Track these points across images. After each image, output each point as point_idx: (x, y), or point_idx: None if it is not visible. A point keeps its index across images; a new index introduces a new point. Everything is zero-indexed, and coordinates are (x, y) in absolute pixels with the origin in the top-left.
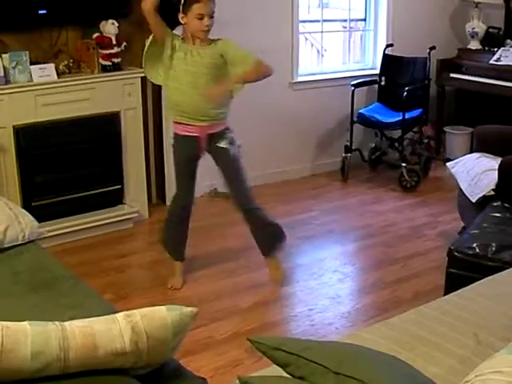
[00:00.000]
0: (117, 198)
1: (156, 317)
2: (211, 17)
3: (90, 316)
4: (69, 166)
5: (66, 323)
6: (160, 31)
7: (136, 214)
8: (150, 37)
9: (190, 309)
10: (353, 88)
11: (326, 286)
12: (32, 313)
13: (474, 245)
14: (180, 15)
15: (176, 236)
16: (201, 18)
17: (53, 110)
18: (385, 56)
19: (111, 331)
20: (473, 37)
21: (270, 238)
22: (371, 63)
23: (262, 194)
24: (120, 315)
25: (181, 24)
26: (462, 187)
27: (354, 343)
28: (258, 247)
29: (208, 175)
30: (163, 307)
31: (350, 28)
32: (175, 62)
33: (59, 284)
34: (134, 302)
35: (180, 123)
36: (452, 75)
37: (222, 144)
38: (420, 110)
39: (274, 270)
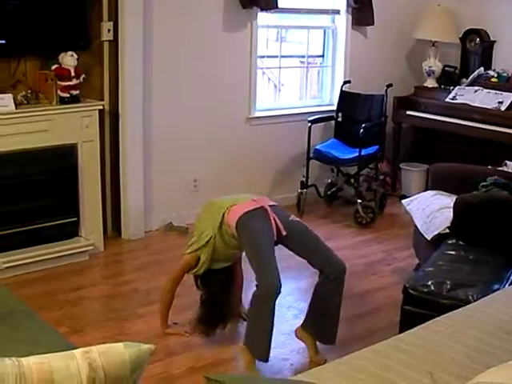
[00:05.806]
0: (72, 231)
1: (114, 354)
2: None
3: (46, 351)
4: (24, 197)
5: (23, 359)
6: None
7: (91, 247)
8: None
9: (147, 346)
10: (309, 124)
11: (281, 322)
12: None
13: (429, 282)
14: None
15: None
16: None
17: (10, 141)
18: (342, 92)
19: (69, 368)
20: (429, 75)
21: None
22: (328, 99)
23: None
24: (78, 351)
25: None
26: (417, 224)
27: (308, 380)
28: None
29: (163, 209)
30: (121, 344)
31: (308, 64)
32: None
33: (14, 318)
34: (89, 336)
35: None
36: (408, 112)
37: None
38: (376, 146)
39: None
